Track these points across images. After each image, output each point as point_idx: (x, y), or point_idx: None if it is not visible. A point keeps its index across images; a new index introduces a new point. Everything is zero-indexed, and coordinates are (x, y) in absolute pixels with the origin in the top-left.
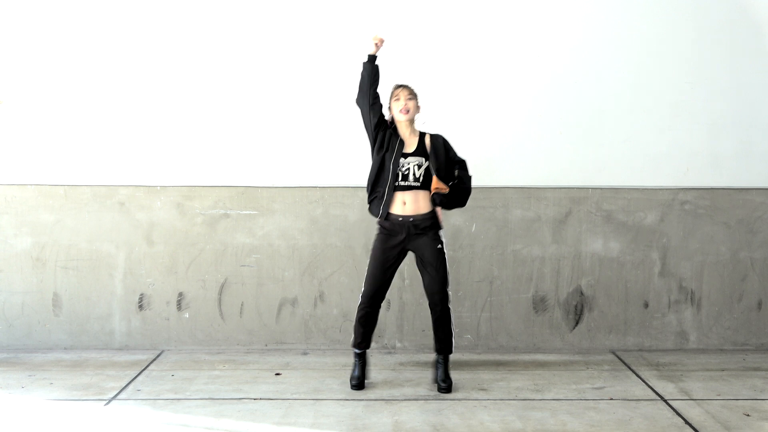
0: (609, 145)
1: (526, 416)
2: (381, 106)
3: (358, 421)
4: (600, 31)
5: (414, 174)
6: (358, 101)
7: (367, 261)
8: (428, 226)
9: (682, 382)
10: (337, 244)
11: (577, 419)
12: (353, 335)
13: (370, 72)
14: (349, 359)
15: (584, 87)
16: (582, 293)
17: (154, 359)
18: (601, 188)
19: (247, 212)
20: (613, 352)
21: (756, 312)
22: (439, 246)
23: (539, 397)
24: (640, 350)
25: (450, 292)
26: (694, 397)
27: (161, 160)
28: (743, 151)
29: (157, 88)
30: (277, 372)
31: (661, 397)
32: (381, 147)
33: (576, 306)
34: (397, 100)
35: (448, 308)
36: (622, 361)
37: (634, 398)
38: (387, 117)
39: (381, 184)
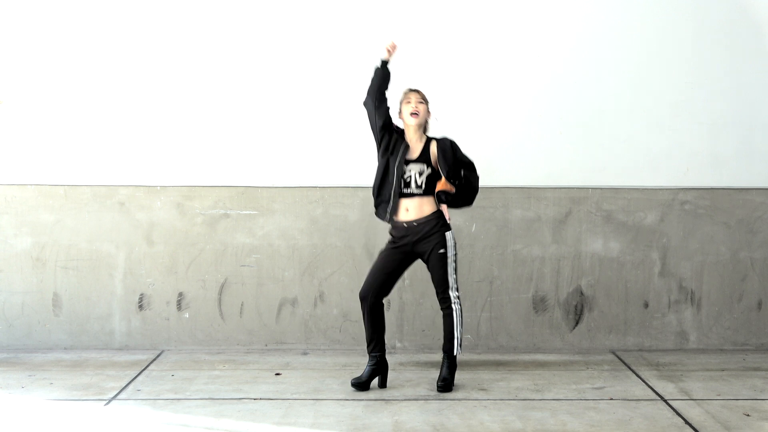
0: (609, 145)
1: (526, 416)
2: (388, 108)
3: (358, 421)
4: (600, 31)
5: (416, 181)
6: (366, 103)
7: (368, 261)
8: (433, 226)
9: (682, 382)
10: (337, 244)
11: (577, 419)
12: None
13: (381, 76)
14: (350, 359)
15: (584, 87)
16: (582, 293)
17: (154, 359)
18: (601, 188)
19: (247, 212)
20: (613, 352)
21: (756, 312)
22: (442, 251)
23: (539, 397)
24: (640, 350)
25: (453, 295)
26: (694, 397)
27: (161, 160)
28: (743, 151)
29: (157, 88)
30: (277, 372)
31: (661, 397)
32: (386, 150)
33: (576, 306)
34: (408, 103)
35: (451, 309)
36: (622, 361)
37: (634, 398)
38: (396, 120)
39: (386, 188)
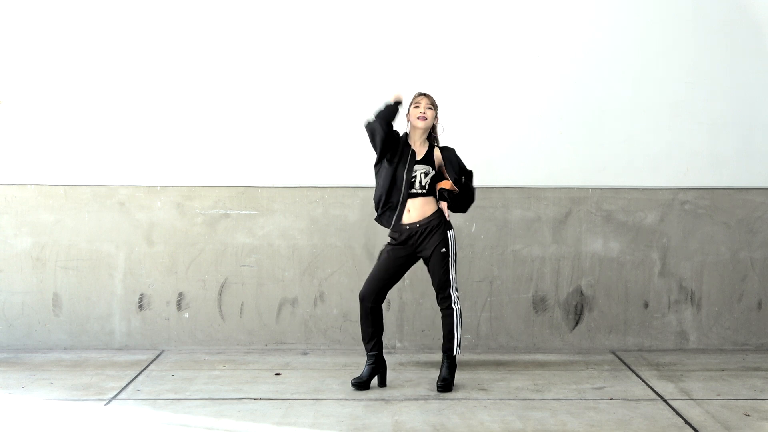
0: (609, 145)
1: (526, 416)
2: (396, 132)
3: (358, 421)
4: (600, 31)
5: (420, 182)
6: (373, 128)
7: (368, 261)
8: (435, 226)
9: (682, 382)
10: (337, 244)
11: (577, 419)
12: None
13: (394, 111)
14: (349, 359)
15: (584, 87)
16: (582, 293)
17: (154, 359)
18: (601, 188)
19: (247, 212)
20: (613, 352)
21: (756, 312)
22: (444, 250)
23: (539, 397)
24: (640, 350)
25: (454, 294)
26: (694, 397)
27: (161, 160)
28: (743, 151)
29: (157, 88)
30: (277, 372)
31: (661, 397)
32: (392, 158)
33: (576, 306)
34: (417, 106)
35: (451, 308)
36: (622, 361)
37: (634, 398)
38: (402, 120)
39: (395, 194)
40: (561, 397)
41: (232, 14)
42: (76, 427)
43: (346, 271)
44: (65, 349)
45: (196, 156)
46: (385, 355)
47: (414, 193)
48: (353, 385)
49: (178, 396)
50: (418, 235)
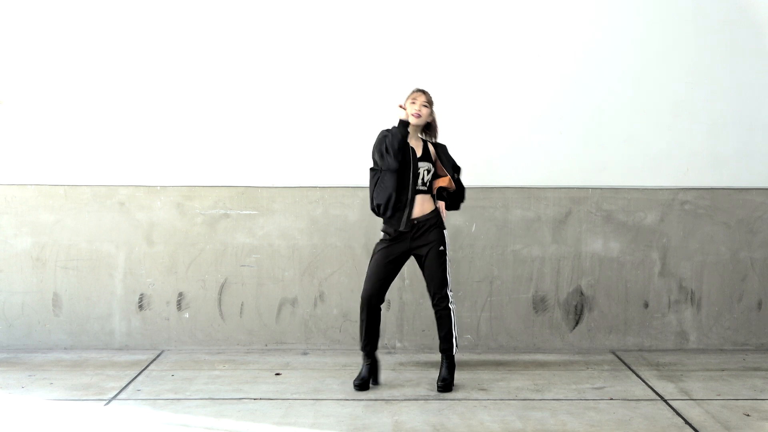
0: (609, 145)
1: (526, 416)
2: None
3: (358, 421)
4: (600, 31)
5: (423, 179)
6: (388, 164)
7: (368, 261)
8: (433, 224)
9: (682, 382)
10: (337, 244)
11: (577, 419)
12: (359, 337)
13: (405, 136)
14: (349, 359)
15: (584, 87)
16: (582, 293)
17: (154, 359)
18: (601, 188)
19: (247, 212)
20: (613, 352)
21: (756, 312)
22: (441, 248)
23: (539, 397)
24: (640, 350)
25: (450, 294)
26: (694, 397)
27: (161, 160)
28: (743, 151)
29: (157, 88)
30: (277, 372)
31: (661, 397)
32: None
33: (576, 306)
34: (413, 103)
35: (449, 308)
36: (622, 361)
37: (634, 398)
38: (402, 116)
39: (404, 194)
40: (561, 397)
41: (232, 15)
42: (76, 427)
43: (346, 271)
44: (65, 349)
45: (196, 156)
46: (384, 355)
47: (418, 189)
48: (357, 386)
49: (178, 396)
50: (416, 230)
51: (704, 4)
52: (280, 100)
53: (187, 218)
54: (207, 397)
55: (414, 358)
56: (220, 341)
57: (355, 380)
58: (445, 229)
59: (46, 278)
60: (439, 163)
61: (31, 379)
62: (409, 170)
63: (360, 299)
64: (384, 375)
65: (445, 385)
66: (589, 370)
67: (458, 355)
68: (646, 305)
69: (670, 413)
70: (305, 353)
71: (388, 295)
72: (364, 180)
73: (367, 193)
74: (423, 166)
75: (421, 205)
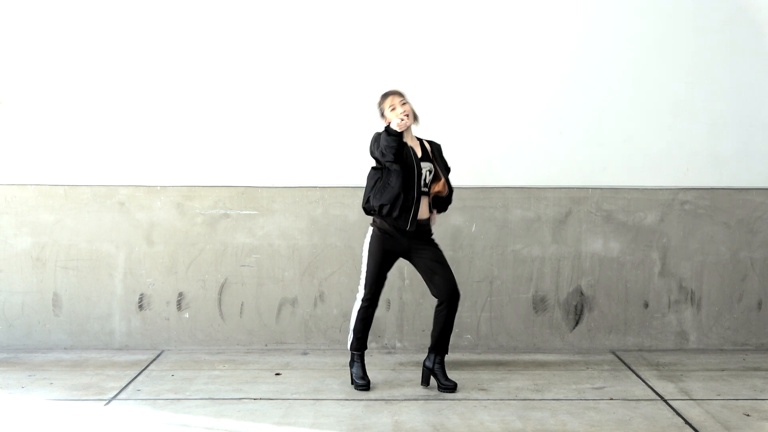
0: (609, 145)
1: (526, 416)
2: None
3: (358, 421)
4: (600, 31)
5: (425, 179)
6: (388, 161)
7: None
8: (427, 231)
9: (682, 382)
10: (337, 244)
11: (577, 419)
12: (353, 338)
13: (400, 143)
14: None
15: (584, 87)
16: (582, 293)
17: (154, 359)
18: (601, 188)
19: (247, 212)
20: (613, 352)
21: (756, 312)
22: (438, 246)
23: (539, 397)
24: (640, 350)
25: None
26: (694, 397)
27: (161, 160)
28: (743, 151)
29: (157, 88)
30: (277, 372)
31: (661, 397)
32: (400, 161)
33: (576, 306)
34: (393, 109)
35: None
36: (622, 361)
37: (634, 398)
38: (393, 127)
39: (410, 194)
40: (561, 397)
41: (232, 15)
42: (76, 427)
43: (346, 271)
44: (65, 349)
45: (196, 156)
46: (385, 355)
47: (421, 190)
48: (361, 387)
49: (178, 396)
50: (413, 235)
51: (704, 4)
52: (280, 101)
53: (187, 218)
54: (207, 397)
55: (414, 358)
56: (220, 341)
57: (358, 380)
58: (432, 235)
59: (46, 278)
60: (435, 164)
61: (31, 379)
62: (413, 171)
63: (362, 301)
64: (384, 375)
65: (453, 384)
66: (589, 370)
67: (458, 355)
68: (646, 305)
69: (670, 413)
70: (305, 353)
71: (388, 295)
72: (364, 180)
73: None
74: (425, 166)
75: (424, 207)
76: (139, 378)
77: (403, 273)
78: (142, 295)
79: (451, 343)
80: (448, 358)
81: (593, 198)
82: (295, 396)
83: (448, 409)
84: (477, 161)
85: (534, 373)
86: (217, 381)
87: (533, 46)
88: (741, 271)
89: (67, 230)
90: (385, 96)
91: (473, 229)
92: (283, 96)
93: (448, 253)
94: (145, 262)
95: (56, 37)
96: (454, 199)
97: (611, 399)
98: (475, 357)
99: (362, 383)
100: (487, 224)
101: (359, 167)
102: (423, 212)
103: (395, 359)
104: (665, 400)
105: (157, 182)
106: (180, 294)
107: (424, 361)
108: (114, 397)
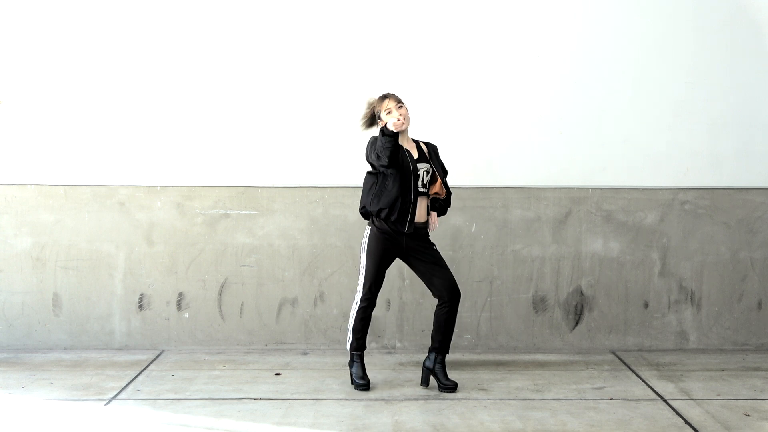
0: (609, 145)
1: (526, 416)
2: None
3: (358, 421)
4: (600, 31)
5: (422, 181)
6: (387, 165)
7: None
8: (425, 233)
9: (682, 382)
10: (337, 244)
11: (577, 419)
12: (353, 338)
13: (395, 145)
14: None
15: (584, 87)
16: (582, 293)
17: (154, 359)
18: (601, 188)
19: (247, 212)
20: (613, 352)
21: (756, 312)
22: (435, 247)
23: (539, 397)
24: (640, 350)
25: None
26: (694, 397)
27: (161, 160)
28: (743, 151)
29: (157, 88)
30: (277, 372)
31: (661, 397)
32: (395, 164)
33: (576, 306)
34: (390, 113)
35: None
36: (622, 361)
37: (634, 398)
38: (390, 127)
39: (407, 196)
40: (561, 397)
41: (232, 15)
42: (76, 427)
43: (346, 271)
44: (65, 349)
45: (196, 156)
46: (385, 355)
47: (419, 192)
48: (360, 387)
49: (178, 396)
50: (411, 236)
51: (704, 4)
52: (280, 101)
53: (187, 218)
54: (207, 397)
55: (414, 358)
56: (220, 341)
57: (359, 379)
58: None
59: (46, 278)
60: (432, 165)
61: (31, 379)
62: (410, 173)
63: (361, 300)
64: (384, 375)
65: (454, 384)
66: (589, 370)
67: (458, 355)
68: (646, 305)
69: (670, 413)
70: (305, 353)
71: (387, 295)
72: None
73: None
74: (422, 167)
75: (419, 210)
76: (139, 378)
77: (402, 273)
78: (142, 295)
79: (451, 343)
80: (448, 358)
81: (593, 198)
82: (295, 396)
83: (448, 409)
84: (477, 161)
85: (534, 373)
86: (217, 381)
87: (533, 47)
88: (741, 271)
89: (67, 230)
90: (381, 99)
91: (473, 229)
92: (283, 96)
93: (448, 253)
94: (145, 262)
95: (56, 38)
96: (453, 199)
97: (611, 399)
98: (475, 357)
99: (362, 383)
100: (487, 224)
101: (359, 167)
102: (421, 214)
103: (395, 359)
104: (665, 400)
105: (157, 182)
106: (180, 294)
107: (424, 361)
108: (114, 397)
